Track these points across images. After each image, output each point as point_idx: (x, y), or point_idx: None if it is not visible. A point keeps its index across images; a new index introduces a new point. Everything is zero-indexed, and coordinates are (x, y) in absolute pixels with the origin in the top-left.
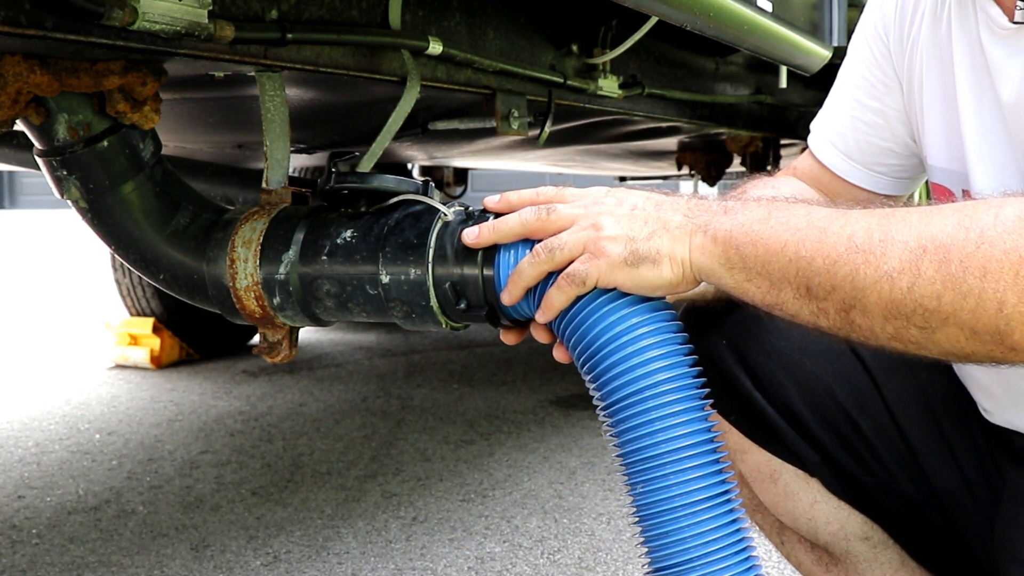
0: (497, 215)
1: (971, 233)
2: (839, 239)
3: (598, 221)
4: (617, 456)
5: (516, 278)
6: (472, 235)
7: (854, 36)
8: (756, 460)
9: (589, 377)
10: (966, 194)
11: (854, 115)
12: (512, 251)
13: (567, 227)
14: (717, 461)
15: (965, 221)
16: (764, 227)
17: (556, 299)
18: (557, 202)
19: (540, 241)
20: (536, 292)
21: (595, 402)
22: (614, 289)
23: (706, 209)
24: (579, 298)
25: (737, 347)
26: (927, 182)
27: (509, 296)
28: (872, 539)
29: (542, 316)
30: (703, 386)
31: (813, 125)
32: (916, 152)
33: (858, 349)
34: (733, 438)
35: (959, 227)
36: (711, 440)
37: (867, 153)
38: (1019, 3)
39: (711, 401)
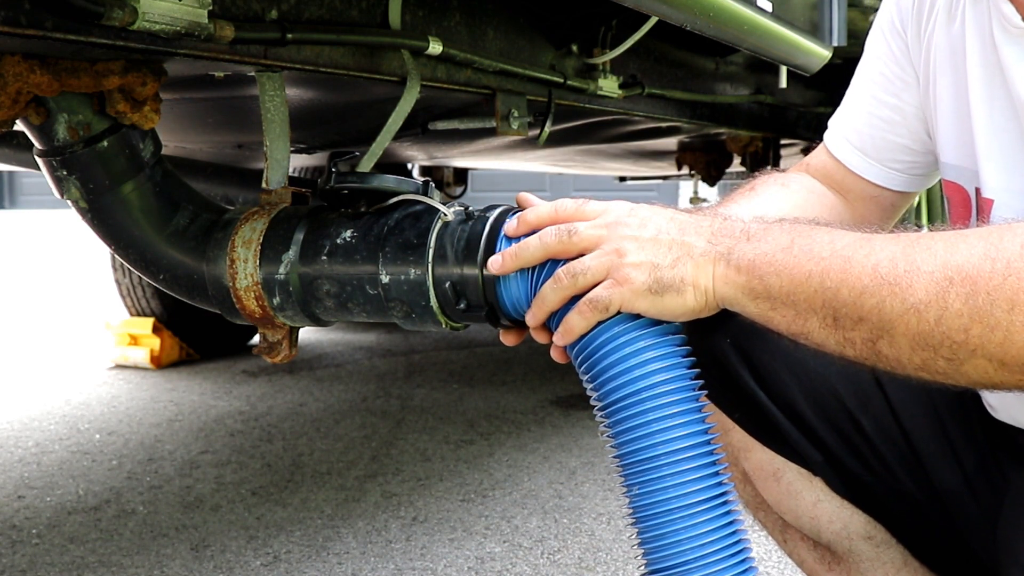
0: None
1: (998, 264)
2: (864, 269)
3: (622, 246)
4: (614, 457)
5: (540, 303)
6: (496, 264)
7: (872, 31)
8: (759, 458)
9: (587, 377)
10: (978, 192)
11: (871, 111)
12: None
13: (589, 249)
14: (714, 463)
15: (991, 251)
16: (787, 256)
17: (577, 324)
18: (578, 219)
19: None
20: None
21: (592, 402)
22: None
23: (729, 233)
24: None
25: (741, 346)
26: (941, 179)
27: (533, 319)
28: (875, 538)
29: (561, 339)
30: (702, 387)
31: (830, 121)
32: (932, 149)
33: None
34: (737, 436)
35: (985, 257)
36: (708, 442)
37: (883, 150)
38: None
39: (709, 403)
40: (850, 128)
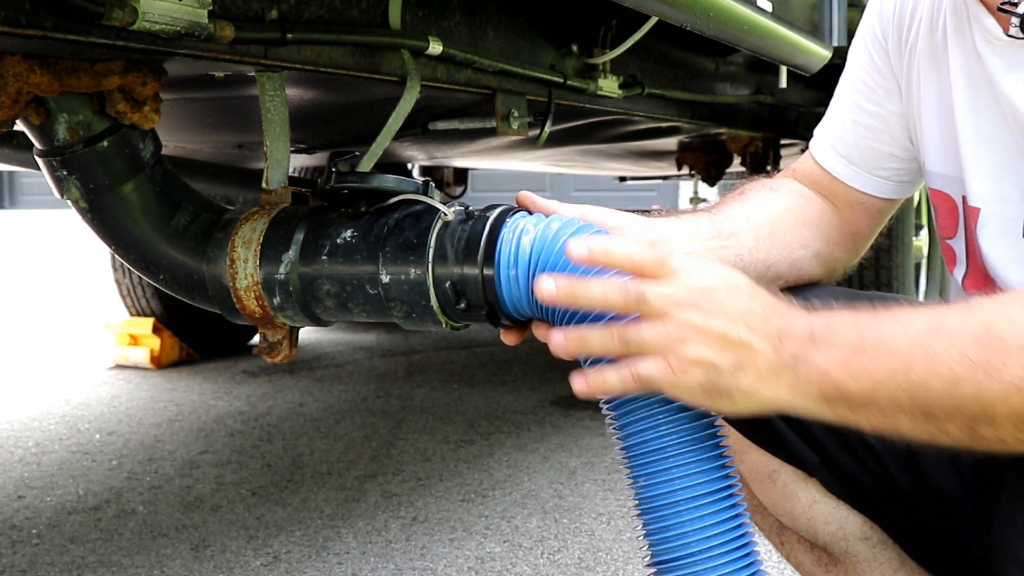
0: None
1: None
2: (951, 356)
3: (686, 336)
4: (620, 449)
5: (580, 342)
6: (549, 293)
7: (854, 40)
8: (755, 460)
9: (607, 407)
10: (964, 200)
11: (855, 119)
12: (514, 246)
13: (652, 318)
14: (720, 456)
15: None
16: (862, 357)
17: (613, 385)
18: (651, 275)
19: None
20: (550, 312)
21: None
22: None
23: (794, 336)
24: None
25: None
26: (927, 187)
27: (565, 352)
28: (871, 539)
29: (583, 388)
30: None
31: (817, 129)
32: (916, 156)
33: None
34: (732, 438)
35: None
36: (714, 435)
37: (868, 157)
38: (1012, 19)
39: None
40: (835, 136)
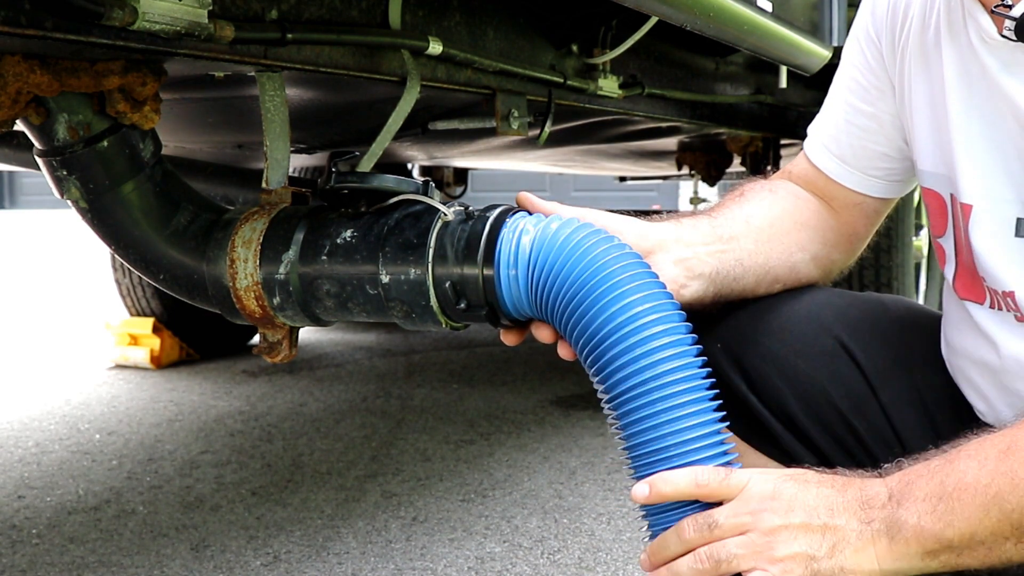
0: None
1: None
2: None
3: (772, 539)
4: (606, 403)
5: (670, 571)
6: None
7: (848, 39)
8: (752, 462)
9: (594, 370)
10: (953, 198)
11: (848, 119)
12: (514, 246)
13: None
14: (705, 379)
15: None
16: (949, 503)
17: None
18: (721, 497)
19: None
20: (550, 312)
21: (600, 394)
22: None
23: (876, 503)
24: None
25: (732, 350)
26: (920, 186)
27: (651, 567)
28: None
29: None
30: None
31: (810, 129)
32: (909, 156)
33: (853, 351)
34: (731, 441)
35: None
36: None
37: (862, 157)
38: (1006, 20)
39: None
40: (828, 136)
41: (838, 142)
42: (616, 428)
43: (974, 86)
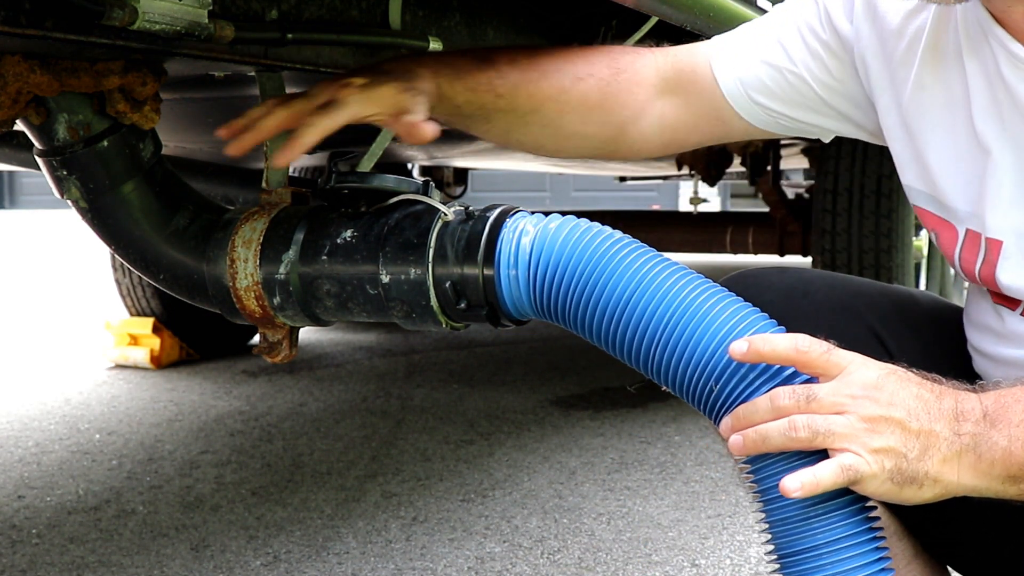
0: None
1: None
2: None
3: (871, 427)
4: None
5: (758, 438)
6: (736, 445)
7: (798, 22)
8: None
9: (755, 485)
10: (969, 232)
11: (772, 74)
12: (514, 246)
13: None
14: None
15: None
16: None
17: (827, 482)
18: (820, 369)
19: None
20: (555, 311)
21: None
22: None
23: (971, 417)
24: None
25: None
26: (934, 216)
27: (744, 452)
28: (888, 528)
29: (792, 486)
30: None
31: (720, 42)
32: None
33: (885, 340)
34: None
35: None
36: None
37: (781, 100)
38: None
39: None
40: (748, 73)
41: (758, 80)
42: (754, 485)
43: (1009, 115)
